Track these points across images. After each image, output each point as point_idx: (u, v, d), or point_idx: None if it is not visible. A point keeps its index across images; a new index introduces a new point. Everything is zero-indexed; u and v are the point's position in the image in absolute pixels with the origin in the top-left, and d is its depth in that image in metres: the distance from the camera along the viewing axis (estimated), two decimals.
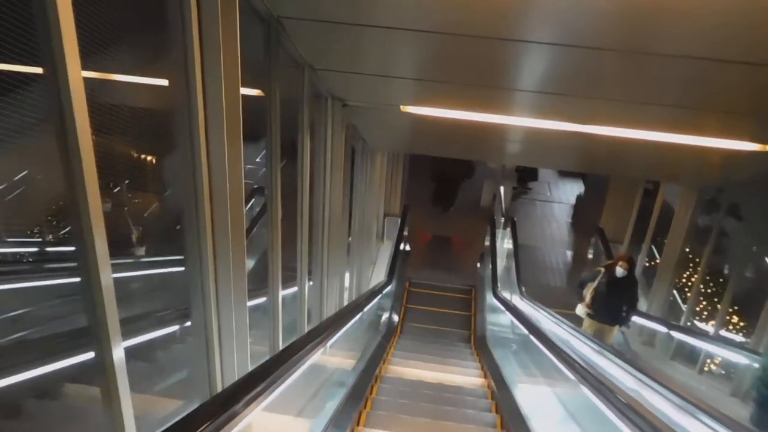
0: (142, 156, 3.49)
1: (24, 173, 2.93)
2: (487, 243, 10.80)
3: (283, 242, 3.56)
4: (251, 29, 2.83)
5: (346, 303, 6.69)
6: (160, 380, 3.15)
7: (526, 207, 15.10)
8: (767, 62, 2.75)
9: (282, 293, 3.70)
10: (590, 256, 11.75)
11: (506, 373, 5.71)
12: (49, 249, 3.36)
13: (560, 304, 7.94)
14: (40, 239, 3.28)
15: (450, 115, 4.83)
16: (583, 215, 13.73)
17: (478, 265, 11.13)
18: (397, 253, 9.30)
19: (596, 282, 6.38)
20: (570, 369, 3.33)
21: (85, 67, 1.51)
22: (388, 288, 7.93)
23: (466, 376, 6.03)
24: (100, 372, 1.73)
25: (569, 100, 4.13)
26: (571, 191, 15.79)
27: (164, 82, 2.36)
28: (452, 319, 9.53)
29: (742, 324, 7.76)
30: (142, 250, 3.91)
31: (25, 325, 2.78)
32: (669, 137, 4.63)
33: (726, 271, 8.53)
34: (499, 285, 8.12)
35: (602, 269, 6.47)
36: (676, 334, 7.45)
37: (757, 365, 5.80)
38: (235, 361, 2.65)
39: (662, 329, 7.76)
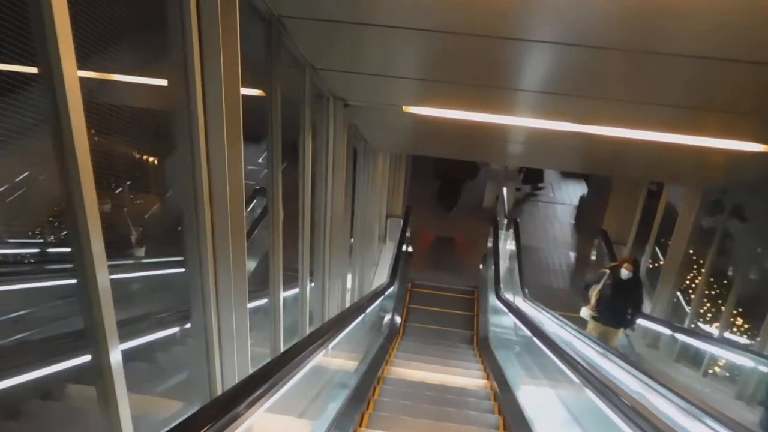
0: (141, 157, 3.48)
1: (20, 173, 2.92)
2: (489, 244, 10.77)
3: (285, 243, 3.55)
4: (252, 29, 2.82)
5: (348, 305, 6.67)
6: (159, 382, 3.14)
7: (529, 208, 15.06)
8: None
9: (283, 295, 3.68)
10: (593, 257, 11.71)
11: (509, 374, 5.68)
12: (45, 250, 3.35)
13: (563, 306, 7.91)
14: (35, 240, 3.27)
15: (452, 116, 4.81)
16: (586, 216, 13.69)
17: (481, 266, 11.10)
18: (399, 254, 9.28)
19: (601, 284, 6.35)
20: (574, 371, 3.31)
21: (81, 67, 1.50)
22: (391, 289, 7.92)
23: (469, 378, 6.00)
24: (97, 373, 1.72)
25: (572, 100, 4.10)
26: (574, 192, 15.74)
27: (163, 83, 2.34)
28: (455, 319, 9.50)
29: (746, 326, 7.72)
30: (141, 252, 3.90)
31: (22, 326, 2.77)
32: (673, 138, 4.60)
33: (730, 273, 8.48)
34: (501, 286, 8.10)
35: (607, 271, 6.44)
36: (681, 337, 7.42)
37: (763, 368, 5.77)
38: (235, 363, 2.63)
39: (666, 331, 7.72)
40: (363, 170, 8.03)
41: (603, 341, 5.31)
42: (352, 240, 7.69)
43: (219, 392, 2.52)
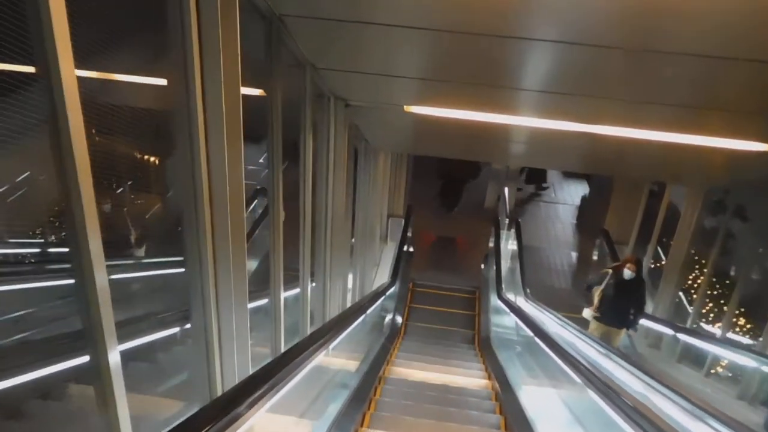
0: (140, 157, 3.47)
1: (17, 173, 2.91)
2: (491, 244, 10.75)
3: (286, 243, 3.54)
4: (252, 27, 2.80)
5: (349, 305, 6.66)
6: (159, 382, 3.13)
7: (531, 208, 15.04)
8: None
9: (284, 295, 3.67)
10: (595, 257, 11.69)
11: (510, 375, 5.67)
12: (43, 250, 3.35)
13: (565, 306, 7.89)
14: (33, 240, 3.27)
15: (454, 115, 4.79)
16: (588, 216, 13.66)
17: (482, 266, 11.09)
18: (400, 254, 9.27)
19: (603, 284, 6.32)
20: (575, 372, 3.29)
21: (79, 66, 1.48)
22: (392, 289, 7.91)
23: (471, 378, 5.99)
24: (95, 374, 1.71)
25: (574, 99, 4.09)
26: (575, 192, 15.72)
27: (162, 82, 2.33)
28: (456, 319, 9.49)
29: (749, 326, 7.69)
30: (140, 251, 3.89)
31: (20, 326, 2.76)
32: (676, 137, 4.57)
33: (733, 273, 8.46)
34: (503, 286, 8.08)
35: (609, 271, 6.41)
36: (683, 337, 7.39)
37: (766, 369, 5.75)
38: (235, 363, 2.62)
39: (668, 331, 7.70)
40: (364, 170, 8.02)
41: (605, 341, 5.29)
42: (353, 240, 7.68)
43: (219, 393, 2.51)
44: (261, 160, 4.23)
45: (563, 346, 3.86)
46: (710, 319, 8.32)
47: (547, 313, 6.69)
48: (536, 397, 4.66)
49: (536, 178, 15.38)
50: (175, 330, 2.95)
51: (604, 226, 11.47)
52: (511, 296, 8.15)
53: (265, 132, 3.23)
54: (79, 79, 1.50)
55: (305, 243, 4.32)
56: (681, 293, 8.90)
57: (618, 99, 4.05)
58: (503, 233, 11.13)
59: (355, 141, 7.03)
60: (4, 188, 2.98)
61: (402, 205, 12.43)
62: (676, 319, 8.58)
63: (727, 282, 8.27)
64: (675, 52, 2.84)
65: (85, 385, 2.20)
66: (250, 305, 2.75)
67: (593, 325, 6.49)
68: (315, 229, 4.76)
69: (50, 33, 1.40)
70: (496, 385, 5.44)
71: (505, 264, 10.20)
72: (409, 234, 10.74)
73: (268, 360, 2.31)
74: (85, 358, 1.71)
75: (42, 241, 3.26)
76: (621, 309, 6.31)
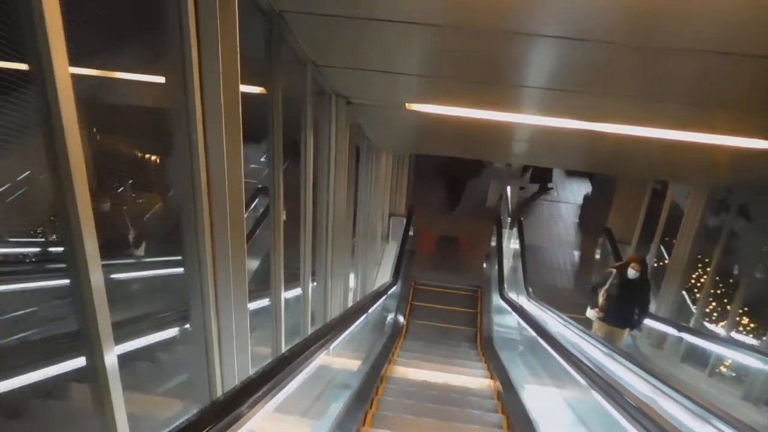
0: (137, 155, 3.45)
1: (12, 172, 2.89)
2: (493, 243, 10.72)
3: (287, 243, 3.51)
4: (251, 23, 2.78)
5: (350, 304, 6.64)
6: (158, 383, 3.11)
7: (533, 207, 15.01)
8: None
9: (285, 294, 3.65)
10: (598, 256, 11.65)
11: (513, 374, 5.64)
12: (38, 250, 3.33)
13: (568, 306, 7.85)
14: (29, 240, 3.25)
15: (456, 113, 4.76)
16: (591, 215, 13.62)
17: (485, 265, 11.06)
18: (402, 254, 9.24)
19: (607, 284, 6.28)
20: (578, 371, 3.26)
21: (73, 63, 1.46)
22: (394, 289, 7.88)
23: (472, 377, 5.96)
24: (91, 374, 1.69)
25: (578, 96, 4.05)
26: (578, 191, 15.69)
27: (160, 79, 2.31)
28: (458, 319, 9.46)
29: (753, 325, 7.66)
30: (138, 251, 3.87)
31: (17, 327, 2.74)
32: (680, 135, 4.53)
33: (736, 272, 8.42)
34: (505, 286, 8.05)
35: (613, 270, 6.37)
36: (686, 336, 7.35)
37: None
38: (235, 363, 2.60)
39: (672, 331, 7.66)
40: (366, 169, 7.99)
41: (608, 341, 5.26)
42: (354, 239, 7.65)
43: (219, 393, 2.49)
44: (262, 159, 4.21)
45: (566, 346, 3.83)
46: (714, 318, 8.28)
47: (550, 313, 6.65)
48: (539, 397, 4.64)
49: (541, 177, 15.32)
50: (175, 330, 2.92)
51: (606, 225, 11.43)
52: (513, 295, 8.12)
53: (266, 130, 3.20)
54: (74, 77, 1.47)
55: (306, 242, 4.30)
56: (684, 292, 8.86)
57: (622, 96, 4.01)
58: (505, 232, 11.10)
59: (357, 139, 7.00)
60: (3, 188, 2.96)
61: (404, 204, 12.40)
62: (679, 318, 8.55)
63: (731, 281, 8.24)
64: (680, 49, 2.80)
65: (82, 386, 2.18)
66: (251, 305, 2.72)
67: (597, 324, 6.45)
68: (316, 228, 4.74)
69: (43, 29, 1.37)
70: (498, 385, 5.42)
71: (507, 263, 10.16)
72: (411, 233, 10.72)
73: (268, 360, 2.28)
74: (82, 359, 1.69)
75: (36, 240, 3.24)
76: (625, 309, 6.27)
